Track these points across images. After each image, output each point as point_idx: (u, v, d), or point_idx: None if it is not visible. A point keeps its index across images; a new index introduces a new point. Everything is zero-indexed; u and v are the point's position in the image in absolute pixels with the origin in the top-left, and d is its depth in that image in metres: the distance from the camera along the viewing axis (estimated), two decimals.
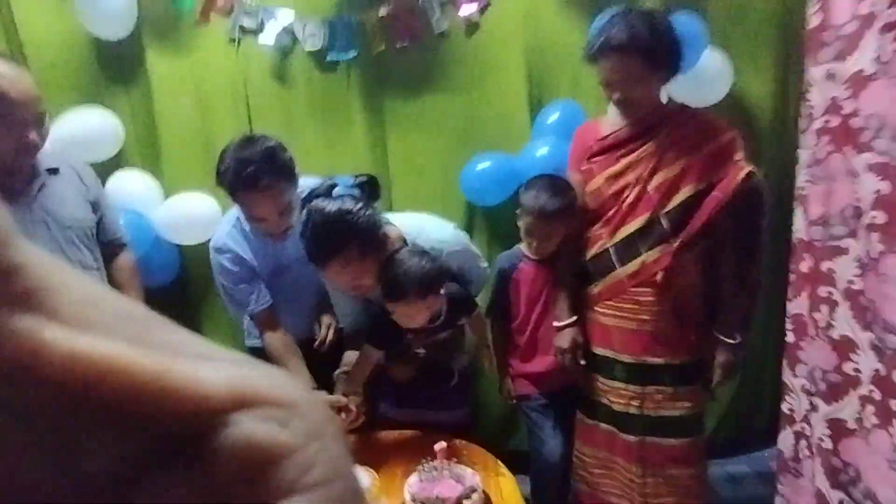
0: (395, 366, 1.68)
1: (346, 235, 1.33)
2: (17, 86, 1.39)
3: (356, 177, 1.45)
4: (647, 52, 1.38)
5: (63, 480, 0.14)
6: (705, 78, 1.88)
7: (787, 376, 1.39)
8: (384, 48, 1.96)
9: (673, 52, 1.45)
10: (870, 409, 1.17)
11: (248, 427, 0.15)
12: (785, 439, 1.36)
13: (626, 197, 1.49)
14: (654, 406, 1.53)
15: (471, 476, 1.29)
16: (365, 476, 1.30)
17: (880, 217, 1.14)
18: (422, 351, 1.64)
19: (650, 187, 1.47)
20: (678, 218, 1.45)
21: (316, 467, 0.16)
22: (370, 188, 1.47)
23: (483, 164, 1.94)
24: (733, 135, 1.47)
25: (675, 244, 1.45)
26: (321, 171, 1.97)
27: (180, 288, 2.13)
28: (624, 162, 1.50)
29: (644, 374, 1.53)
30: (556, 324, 1.63)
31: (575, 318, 1.61)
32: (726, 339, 1.50)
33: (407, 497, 1.25)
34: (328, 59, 1.97)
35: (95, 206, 1.63)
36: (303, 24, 1.94)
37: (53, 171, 1.55)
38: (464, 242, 1.62)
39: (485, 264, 1.76)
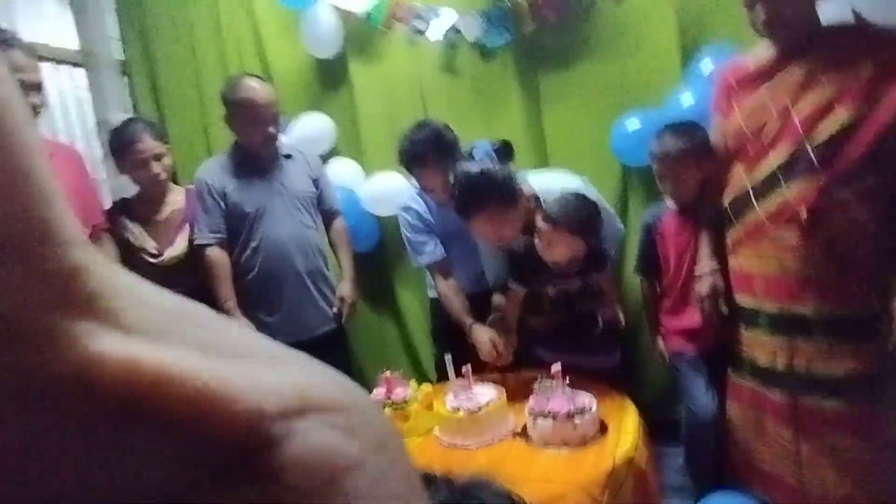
0: (532, 316, 1.85)
1: (487, 191, 1.56)
2: (261, 94, 1.97)
3: (493, 142, 1.67)
4: None
5: (119, 490, 0.13)
6: None
7: None
8: (534, 27, 2.12)
9: None
10: None
11: (314, 437, 0.14)
12: None
13: (767, 130, 1.39)
14: (805, 362, 1.39)
15: (585, 399, 1.39)
16: (494, 391, 1.51)
17: None
18: (548, 307, 1.77)
19: (796, 115, 1.34)
20: (831, 148, 1.29)
21: (386, 482, 0.15)
22: (505, 150, 1.66)
23: (632, 123, 1.96)
24: None
25: (825, 178, 1.31)
26: None
27: (379, 254, 2.61)
28: (765, 93, 1.40)
29: (791, 325, 1.39)
30: (697, 270, 1.59)
31: (717, 265, 1.55)
32: None
33: (526, 410, 1.42)
34: (486, 45, 2.21)
35: (316, 183, 2.16)
36: (463, 18, 2.22)
37: (288, 157, 2.12)
38: (593, 195, 1.70)
39: (619, 224, 1.81)
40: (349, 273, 2.19)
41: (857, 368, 1.35)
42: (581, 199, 1.57)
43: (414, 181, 1.97)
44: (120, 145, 1.95)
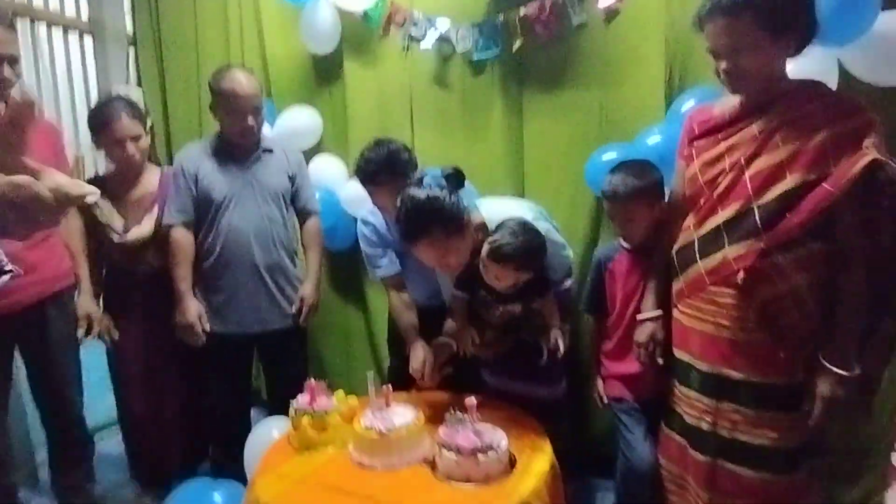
0: (480, 348, 1.83)
1: (433, 219, 1.53)
2: (243, 85, 1.99)
3: (443, 169, 1.64)
4: (763, 14, 1.20)
5: None
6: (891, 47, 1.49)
7: None
8: (522, 44, 2.08)
9: (800, 14, 1.26)
10: None
11: None
12: (891, 497, 1.05)
13: (720, 184, 1.34)
14: (729, 426, 1.35)
15: (494, 436, 1.36)
16: (412, 415, 1.49)
17: None
18: (491, 338, 1.76)
19: (748, 174, 1.30)
20: (775, 212, 1.25)
21: None
22: (456, 179, 1.63)
23: (608, 156, 1.91)
24: (869, 118, 1.20)
25: (765, 242, 1.26)
26: (462, 160, 2.20)
27: (354, 253, 2.59)
28: (723, 145, 1.36)
29: (719, 387, 1.35)
30: (639, 316, 1.55)
31: (659, 312, 1.51)
32: (833, 368, 1.23)
33: (437, 440, 1.40)
34: (474, 58, 2.18)
35: (293, 180, 2.17)
36: (456, 29, 2.19)
37: (268, 151, 2.14)
38: (542, 226, 1.66)
39: (567, 252, 1.77)
40: (314, 274, 2.19)
41: (777, 438, 1.31)
42: (524, 230, 1.54)
43: None
44: (98, 123, 1.98)
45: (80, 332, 1.93)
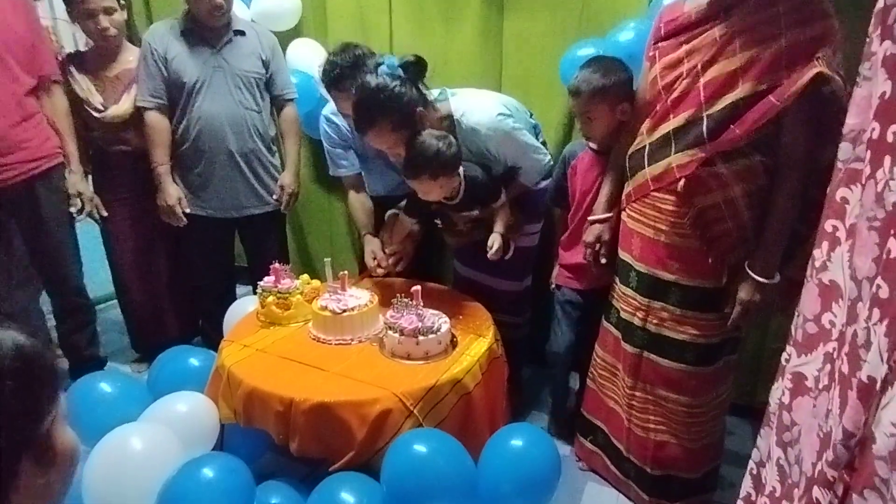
0: (446, 237, 1.91)
1: (380, 109, 1.54)
2: None
3: (402, 57, 1.60)
4: None
5: None
6: None
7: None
8: None
9: None
10: (827, 367, 0.94)
11: None
12: (774, 391, 1.16)
13: (675, 89, 1.32)
14: (657, 322, 1.45)
15: (437, 320, 1.48)
16: (367, 298, 1.61)
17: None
18: (463, 228, 1.82)
19: (702, 80, 1.27)
20: (721, 121, 1.24)
21: None
22: (415, 67, 1.60)
23: (584, 51, 1.84)
24: (829, 25, 1.14)
25: (708, 151, 1.26)
26: (440, 51, 2.14)
27: None
28: (683, 49, 1.32)
29: (653, 288, 1.43)
30: (588, 218, 1.60)
31: (608, 215, 1.55)
32: (755, 276, 1.29)
33: (384, 321, 1.53)
34: None
35: (266, 65, 2.12)
36: None
37: (240, 33, 2.07)
38: (504, 130, 1.65)
39: (541, 155, 1.76)
40: (293, 163, 2.22)
41: (698, 335, 1.41)
42: (435, 138, 1.55)
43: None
44: None
45: (74, 210, 2.02)
